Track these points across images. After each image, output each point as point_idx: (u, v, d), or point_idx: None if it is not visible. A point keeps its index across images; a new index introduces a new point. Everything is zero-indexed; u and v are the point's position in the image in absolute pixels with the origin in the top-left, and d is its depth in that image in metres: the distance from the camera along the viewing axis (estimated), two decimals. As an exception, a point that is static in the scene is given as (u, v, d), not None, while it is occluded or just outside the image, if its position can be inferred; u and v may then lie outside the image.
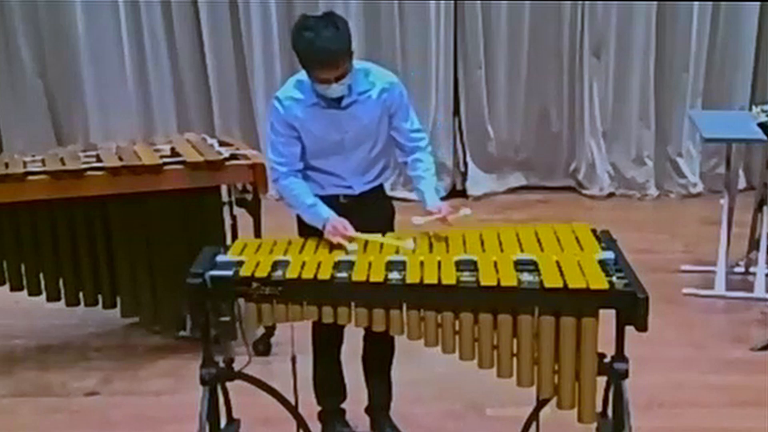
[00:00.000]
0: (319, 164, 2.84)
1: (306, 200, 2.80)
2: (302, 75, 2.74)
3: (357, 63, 2.76)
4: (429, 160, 2.92)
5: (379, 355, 3.08)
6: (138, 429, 3.36)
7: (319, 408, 3.12)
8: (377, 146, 2.86)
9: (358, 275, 2.45)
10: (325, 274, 2.46)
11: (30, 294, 3.72)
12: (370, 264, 2.50)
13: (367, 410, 3.17)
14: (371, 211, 2.88)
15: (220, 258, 2.61)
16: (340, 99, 2.73)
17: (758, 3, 5.76)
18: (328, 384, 3.09)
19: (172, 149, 3.81)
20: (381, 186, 2.96)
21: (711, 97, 5.93)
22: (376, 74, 2.81)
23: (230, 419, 2.86)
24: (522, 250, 2.56)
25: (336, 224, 2.70)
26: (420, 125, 2.94)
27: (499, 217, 5.70)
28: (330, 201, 2.84)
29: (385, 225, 2.89)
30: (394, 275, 2.45)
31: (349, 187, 2.87)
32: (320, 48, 2.56)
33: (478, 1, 5.81)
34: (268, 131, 2.87)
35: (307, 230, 2.85)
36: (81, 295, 3.73)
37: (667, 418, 3.31)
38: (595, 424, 2.59)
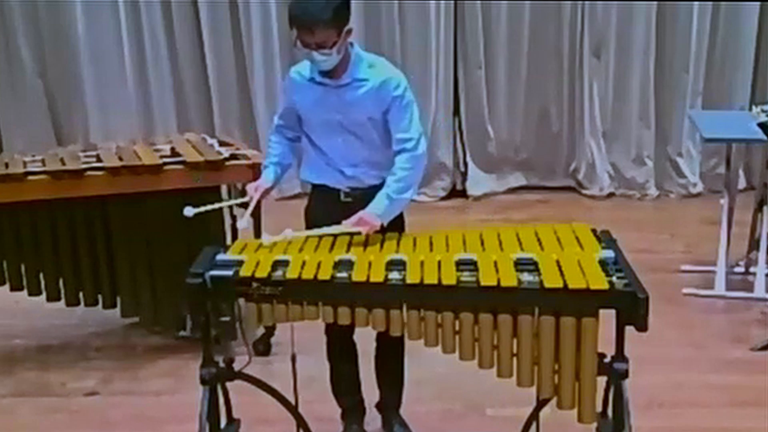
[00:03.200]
0: (315, 139, 2.89)
1: (266, 158, 3.01)
2: None
3: (369, 55, 2.83)
4: (401, 164, 2.77)
5: (388, 353, 3.08)
6: (138, 429, 3.36)
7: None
8: (369, 140, 2.83)
9: (358, 275, 2.45)
10: (325, 274, 2.46)
11: (30, 294, 3.72)
12: (370, 264, 2.50)
13: (378, 406, 3.19)
14: None
15: (220, 258, 2.61)
16: (333, 78, 2.76)
17: (758, 3, 5.76)
18: (343, 385, 3.14)
19: (172, 149, 3.82)
20: None
21: (711, 97, 5.94)
22: (380, 68, 2.80)
23: (230, 419, 2.86)
24: (522, 250, 2.56)
25: (252, 185, 2.95)
26: (414, 132, 2.80)
27: (499, 217, 5.70)
28: (332, 198, 2.87)
29: (393, 229, 2.83)
30: (394, 275, 2.44)
31: (343, 174, 2.85)
32: (298, 7, 2.64)
33: (478, 1, 5.81)
34: None
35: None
36: (81, 295, 3.73)
37: (667, 418, 3.31)
38: (595, 424, 2.58)
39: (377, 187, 2.82)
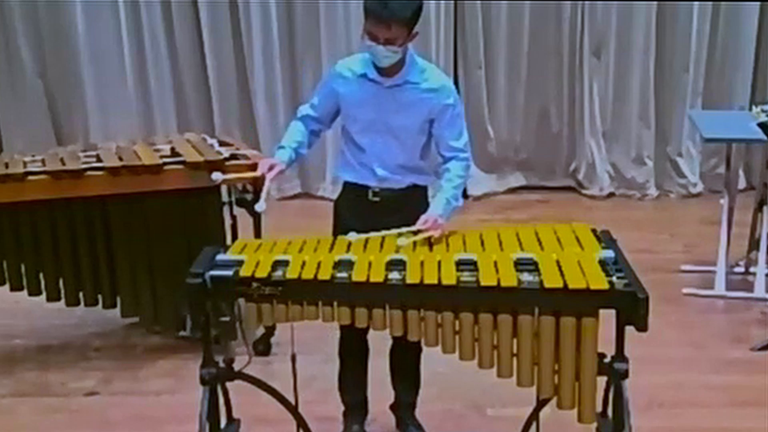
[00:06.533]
0: (354, 135, 2.88)
1: (283, 140, 2.94)
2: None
3: (421, 59, 2.84)
4: (457, 172, 2.85)
5: (404, 351, 3.06)
6: (138, 429, 3.36)
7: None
8: (408, 145, 2.85)
9: (358, 275, 2.44)
10: (325, 274, 2.46)
11: (30, 294, 3.72)
12: (370, 264, 2.50)
13: (392, 407, 3.19)
14: (405, 215, 2.78)
15: (220, 258, 2.61)
16: (387, 77, 2.76)
17: (758, 3, 5.76)
18: (350, 383, 3.14)
19: (172, 149, 3.81)
20: (419, 192, 2.92)
21: (711, 97, 5.94)
22: (431, 74, 2.83)
23: (230, 419, 2.86)
24: (522, 250, 2.56)
25: (267, 161, 2.86)
26: (464, 139, 2.87)
27: (499, 217, 5.70)
28: (360, 196, 2.88)
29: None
30: (394, 275, 2.44)
31: (374, 173, 2.86)
32: (380, 2, 2.64)
33: (478, 1, 5.81)
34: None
35: (339, 229, 2.88)
36: (81, 295, 3.73)
37: (667, 418, 3.31)
38: (595, 424, 2.59)
39: (405, 191, 2.86)
